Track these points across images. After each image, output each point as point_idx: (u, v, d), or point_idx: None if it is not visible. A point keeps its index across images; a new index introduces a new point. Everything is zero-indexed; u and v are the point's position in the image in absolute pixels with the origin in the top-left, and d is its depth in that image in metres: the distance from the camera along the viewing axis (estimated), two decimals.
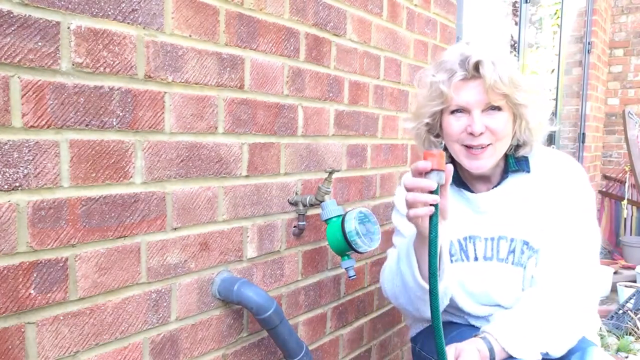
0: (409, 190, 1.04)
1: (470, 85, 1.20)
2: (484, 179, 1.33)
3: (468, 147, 1.24)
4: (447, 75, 1.21)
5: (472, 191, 1.34)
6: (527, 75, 1.41)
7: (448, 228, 1.21)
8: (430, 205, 1.02)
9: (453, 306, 1.34)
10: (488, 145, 1.23)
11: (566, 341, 1.18)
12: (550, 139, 4.17)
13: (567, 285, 1.21)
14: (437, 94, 1.23)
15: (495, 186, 1.31)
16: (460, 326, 1.36)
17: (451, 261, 1.33)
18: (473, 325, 1.35)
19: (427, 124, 1.30)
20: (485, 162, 1.24)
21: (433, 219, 1.03)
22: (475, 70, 1.19)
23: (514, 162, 1.31)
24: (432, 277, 1.03)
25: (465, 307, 1.33)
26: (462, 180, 1.35)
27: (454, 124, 1.24)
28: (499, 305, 1.30)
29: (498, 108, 1.21)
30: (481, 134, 1.21)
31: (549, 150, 1.36)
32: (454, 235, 1.34)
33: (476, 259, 1.32)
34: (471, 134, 1.21)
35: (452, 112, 1.24)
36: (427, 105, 1.27)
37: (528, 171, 1.30)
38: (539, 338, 1.15)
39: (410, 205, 1.04)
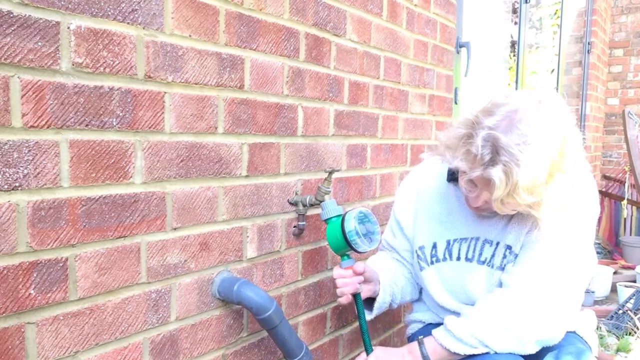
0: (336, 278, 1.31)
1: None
2: None
3: None
4: (464, 166, 1.14)
5: None
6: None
7: (431, 230, 1.40)
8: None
9: (438, 305, 1.41)
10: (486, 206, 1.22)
11: (509, 341, 1.20)
12: None
13: (526, 289, 1.22)
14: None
15: None
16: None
17: (432, 262, 1.40)
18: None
19: None
20: (484, 209, 1.24)
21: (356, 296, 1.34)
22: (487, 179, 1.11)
23: None
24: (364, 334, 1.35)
25: (447, 305, 1.38)
26: None
27: (460, 179, 1.20)
28: None
29: None
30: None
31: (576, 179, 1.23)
32: (444, 237, 1.38)
33: (458, 258, 1.36)
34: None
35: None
36: (444, 159, 1.22)
37: None
38: (480, 332, 1.21)
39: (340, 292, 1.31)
